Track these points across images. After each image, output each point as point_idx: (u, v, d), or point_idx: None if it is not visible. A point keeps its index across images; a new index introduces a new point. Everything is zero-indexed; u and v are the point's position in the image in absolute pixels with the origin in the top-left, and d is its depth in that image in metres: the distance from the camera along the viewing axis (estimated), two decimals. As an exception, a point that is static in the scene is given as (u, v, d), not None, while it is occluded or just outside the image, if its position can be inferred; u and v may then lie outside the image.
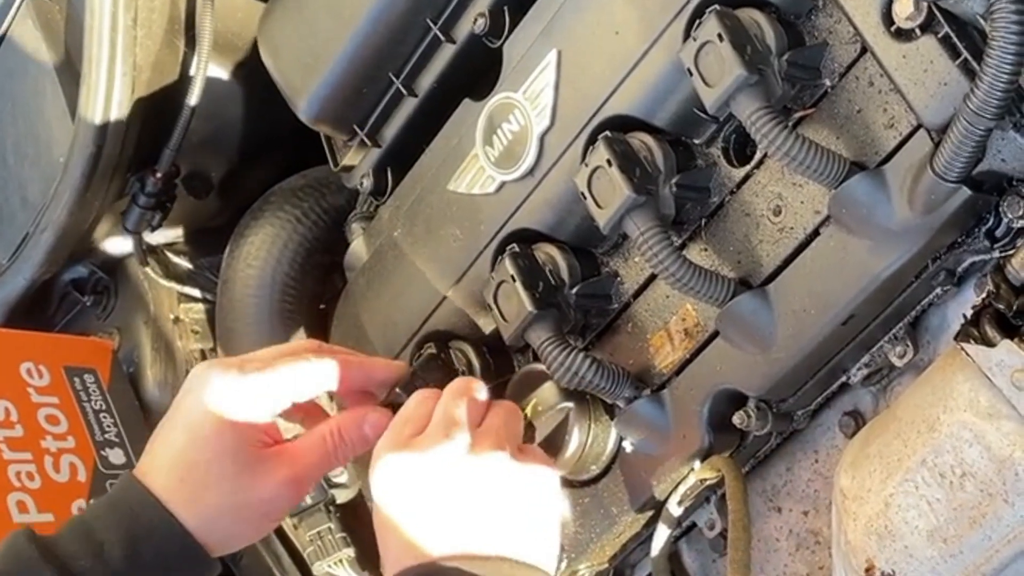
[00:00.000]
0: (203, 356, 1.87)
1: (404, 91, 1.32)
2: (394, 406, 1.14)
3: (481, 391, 1.11)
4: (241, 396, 1.09)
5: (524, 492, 1.04)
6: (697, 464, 1.17)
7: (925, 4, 0.93)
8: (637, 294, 1.20)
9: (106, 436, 1.73)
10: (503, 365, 1.32)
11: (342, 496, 1.72)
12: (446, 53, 1.29)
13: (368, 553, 1.69)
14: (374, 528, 1.06)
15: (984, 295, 1.01)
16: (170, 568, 1.06)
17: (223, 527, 1.09)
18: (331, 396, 1.26)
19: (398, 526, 1.03)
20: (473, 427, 1.07)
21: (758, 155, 1.09)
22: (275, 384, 1.11)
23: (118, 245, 1.89)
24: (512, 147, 1.19)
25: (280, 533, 1.78)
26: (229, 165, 1.88)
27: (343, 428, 1.14)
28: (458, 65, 1.29)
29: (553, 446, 1.20)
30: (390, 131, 1.37)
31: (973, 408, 0.95)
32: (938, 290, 1.06)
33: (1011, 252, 0.98)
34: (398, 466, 1.04)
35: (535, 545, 1.03)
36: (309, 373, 1.13)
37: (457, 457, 1.03)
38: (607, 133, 1.09)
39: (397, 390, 1.17)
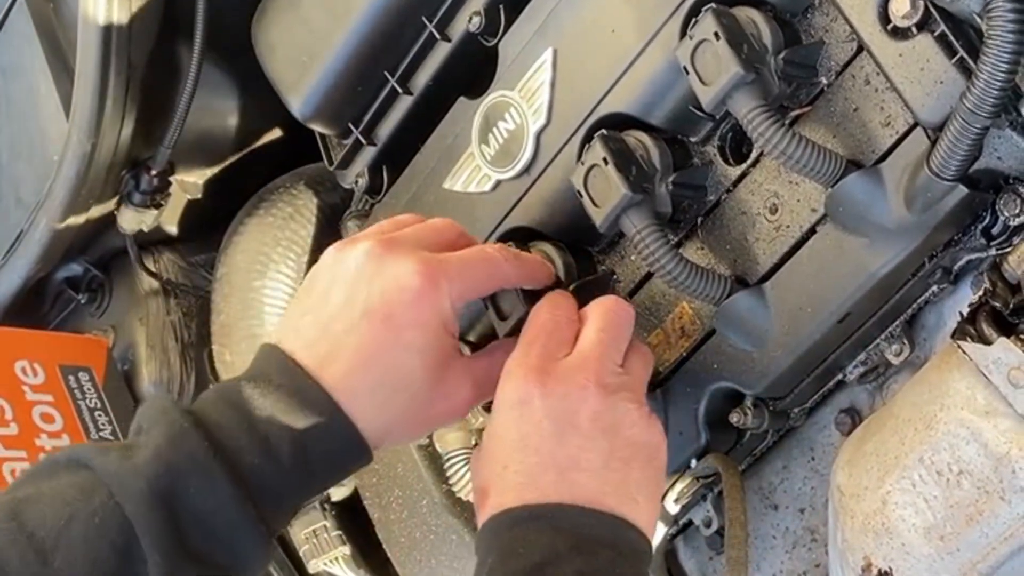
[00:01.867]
0: (198, 354, 1.87)
1: (399, 89, 1.32)
2: None
3: (631, 321, 1.05)
4: (435, 287, 0.98)
5: (652, 452, 1.00)
6: (694, 462, 1.17)
7: (921, 2, 0.93)
8: (633, 292, 1.20)
9: (101, 434, 1.73)
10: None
11: (338, 494, 1.72)
12: (441, 51, 1.29)
13: (364, 551, 1.69)
14: (486, 451, 1.00)
15: (981, 293, 1.01)
16: (338, 469, 0.99)
17: (394, 431, 1.00)
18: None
19: (519, 457, 0.97)
20: (620, 368, 1.02)
21: (754, 153, 1.09)
22: (468, 271, 1.02)
23: (112, 243, 1.89)
24: (508, 145, 1.19)
25: (276, 531, 1.78)
26: (223, 163, 1.88)
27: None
28: (453, 63, 1.29)
29: None
30: (385, 129, 1.36)
31: (970, 406, 0.95)
32: (934, 288, 1.06)
33: (1007, 250, 0.99)
34: (538, 393, 0.98)
35: (648, 510, 0.99)
36: (495, 264, 1.04)
37: (604, 399, 0.98)
38: (603, 131, 1.09)
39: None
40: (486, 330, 1.18)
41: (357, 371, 0.96)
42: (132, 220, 1.81)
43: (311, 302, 1.01)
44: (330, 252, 1.03)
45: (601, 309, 1.04)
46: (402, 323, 0.97)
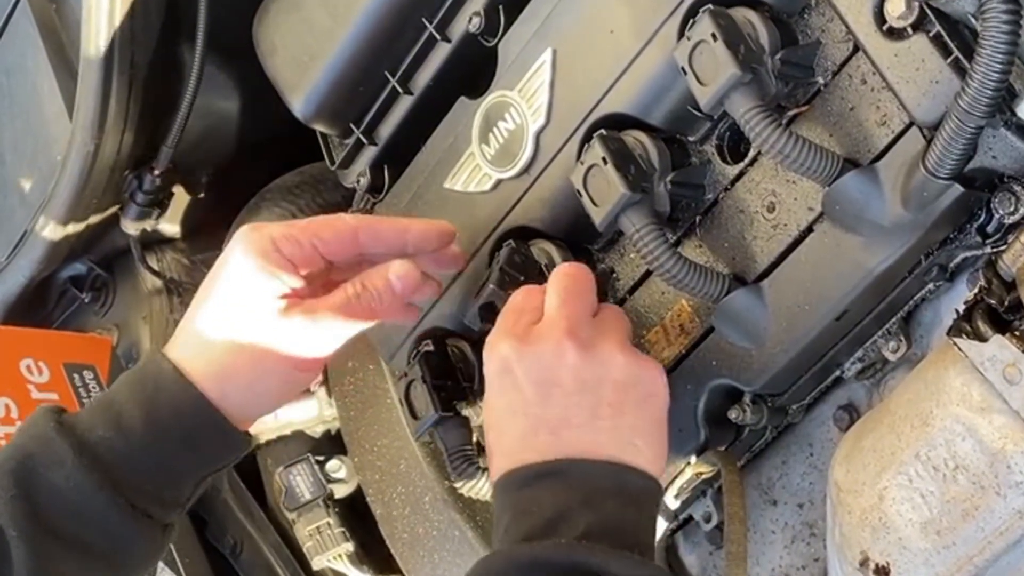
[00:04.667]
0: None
1: (400, 89, 1.33)
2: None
3: (592, 281, 1.08)
4: (264, 247, 1.06)
5: (643, 393, 1.02)
6: (693, 458, 1.18)
7: (917, 3, 0.94)
8: (632, 290, 1.20)
9: (105, 432, 1.73)
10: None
11: (341, 491, 1.73)
12: (442, 51, 1.29)
13: (367, 548, 1.70)
14: (484, 422, 1.04)
15: (976, 290, 1.02)
16: (194, 439, 1.04)
17: (248, 389, 1.06)
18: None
19: (509, 422, 1.01)
20: (590, 321, 1.04)
21: (752, 152, 1.09)
22: (303, 234, 1.08)
23: (116, 242, 1.90)
24: (508, 145, 1.20)
25: (279, 527, 1.79)
26: (226, 162, 1.88)
27: (365, 277, 1.10)
28: (454, 63, 1.29)
29: None
30: (386, 129, 1.37)
31: (966, 402, 0.96)
32: (931, 285, 1.07)
33: (1003, 248, 0.99)
34: (515, 357, 1.01)
35: (649, 450, 1.01)
36: (342, 223, 1.10)
37: (580, 352, 1.00)
38: (602, 131, 1.10)
39: (491, 286, 1.14)
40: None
41: (192, 325, 1.06)
42: (135, 220, 1.81)
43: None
44: None
45: (557, 275, 1.07)
46: (224, 269, 1.06)
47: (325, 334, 1.08)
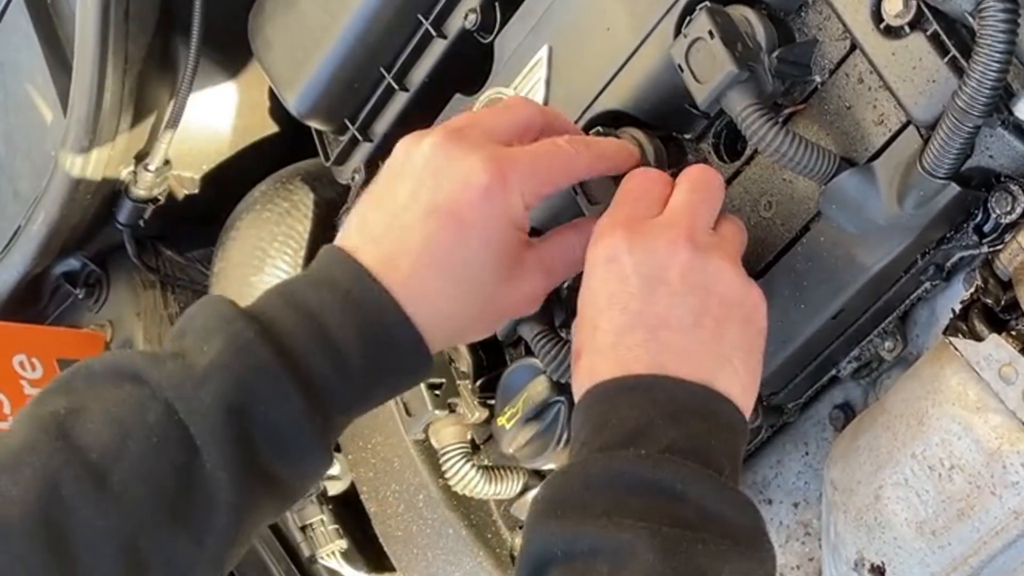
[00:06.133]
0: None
1: (395, 86, 1.33)
2: None
3: (722, 191, 1.00)
4: (503, 184, 0.93)
5: (747, 316, 0.95)
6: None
7: (914, 2, 0.94)
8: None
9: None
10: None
11: (334, 488, 1.73)
12: (437, 48, 1.29)
13: (361, 545, 1.70)
14: (578, 315, 0.96)
15: (972, 290, 1.02)
16: (397, 379, 0.95)
17: (458, 334, 0.98)
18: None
19: (607, 315, 0.93)
20: (710, 230, 0.97)
21: (748, 151, 1.09)
22: (540, 167, 0.96)
23: (110, 238, 1.90)
24: (504, 142, 1.19)
25: (272, 524, 1.79)
26: (220, 158, 1.88)
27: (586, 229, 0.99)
28: (449, 60, 1.29)
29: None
30: (382, 125, 1.37)
31: (962, 401, 0.96)
32: (927, 284, 1.07)
33: (999, 247, 0.99)
34: (625, 247, 0.93)
35: (746, 375, 0.94)
36: (568, 158, 0.98)
37: (694, 255, 0.93)
38: (598, 128, 1.10)
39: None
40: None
41: (422, 273, 0.92)
42: (129, 215, 1.81)
43: (378, 198, 0.97)
44: (400, 147, 0.99)
45: (690, 174, 1.00)
46: (469, 222, 0.93)
47: (549, 291, 1.00)
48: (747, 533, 0.84)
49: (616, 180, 1.02)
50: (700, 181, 0.98)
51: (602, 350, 0.92)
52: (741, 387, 0.93)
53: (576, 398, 0.94)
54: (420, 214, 0.93)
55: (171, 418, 0.85)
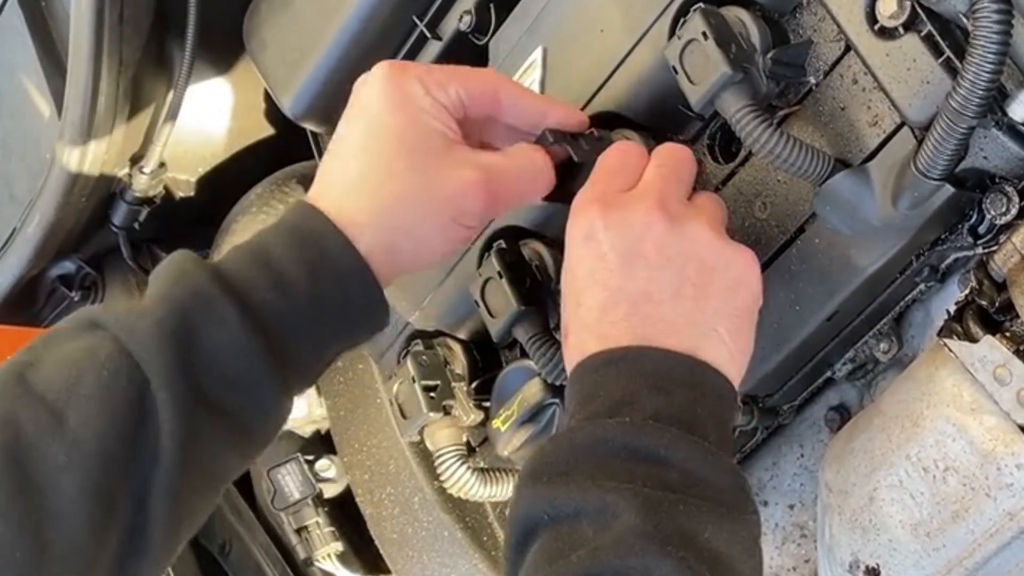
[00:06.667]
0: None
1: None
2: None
3: (693, 166, 1.02)
4: (413, 89, 0.97)
5: (731, 280, 0.95)
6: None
7: (908, 3, 0.94)
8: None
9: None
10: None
11: (330, 490, 1.73)
12: (432, 50, 1.29)
13: (356, 547, 1.70)
14: (563, 293, 0.98)
15: (967, 291, 1.02)
16: (349, 310, 0.95)
17: (407, 232, 0.96)
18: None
19: (589, 291, 0.94)
20: (684, 200, 0.98)
21: (743, 152, 1.09)
22: (451, 80, 0.99)
23: (105, 240, 1.89)
24: (499, 143, 1.19)
25: (268, 527, 1.79)
26: (215, 160, 1.88)
27: (552, 152, 1.01)
28: (445, 62, 1.28)
29: None
30: (377, 127, 1.36)
31: (956, 403, 0.96)
32: (922, 286, 1.07)
33: (994, 248, 0.99)
34: (601, 224, 0.94)
35: (732, 341, 0.94)
36: (490, 78, 1.02)
37: (667, 225, 0.94)
38: (593, 130, 1.09)
39: (549, 137, 1.03)
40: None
41: (350, 187, 0.96)
42: (125, 218, 1.81)
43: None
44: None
45: (660, 150, 1.01)
46: (378, 121, 0.97)
47: (499, 196, 0.99)
48: (731, 496, 0.86)
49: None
50: (669, 156, 1.00)
51: (588, 326, 0.94)
52: (729, 354, 0.93)
53: (568, 375, 0.95)
54: (346, 135, 0.98)
55: (120, 352, 0.87)
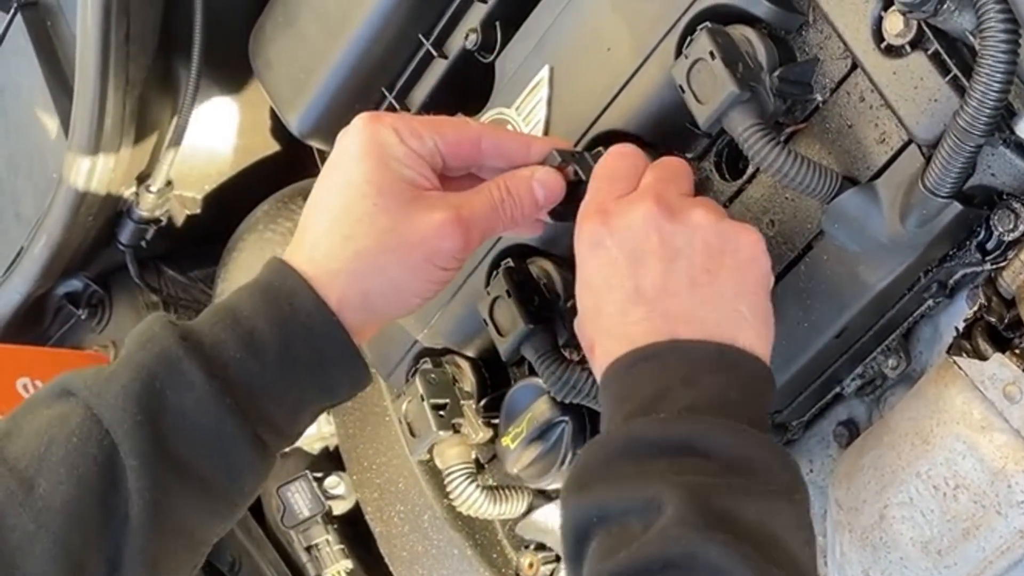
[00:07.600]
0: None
1: (396, 106, 1.33)
2: None
3: (690, 174, 1.02)
4: (387, 139, 0.98)
5: (741, 259, 0.95)
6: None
7: (915, 21, 0.94)
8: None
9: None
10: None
11: (339, 507, 1.72)
12: (438, 68, 1.29)
13: (366, 565, 1.70)
14: (580, 306, 0.98)
15: (976, 308, 1.02)
16: (324, 368, 0.96)
17: (381, 276, 0.97)
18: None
19: (607, 298, 0.95)
20: (681, 196, 0.98)
21: (750, 170, 1.09)
22: (426, 129, 1.00)
23: (112, 258, 1.90)
24: (506, 163, 1.19)
25: (277, 544, 1.79)
26: (222, 178, 1.88)
27: (509, 182, 1.02)
28: (451, 80, 1.29)
29: None
30: (383, 145, 1.36)
31: (966, 421, 0.96)
32: (930, 302, 1.07)
33: (1002, 265, 0.99)
34: (605, 230, 0.96)
35: (756, 319, 0.94)
36: (467, 126, 1.04)
37: (668, 219, 0.95)
38: (600, 148, 1.09)
39: (557, 157, 1.04)
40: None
41: (322, 240, 0.97)
42: (132, 236, 1.82)
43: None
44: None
45: (660, 161, 1.03)
46: (349, 170, 0.98)
47: (472, 231, 1.00)
48: (773, 474, 0.86)
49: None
50: (666, 163, 1.02)
51: (611, 331, 0.95)
52: (755, 332, 0.94)
53: (599, 383, 0.95)
54: (319, 192, 1.00)
55: (89, 418, 0.88)
